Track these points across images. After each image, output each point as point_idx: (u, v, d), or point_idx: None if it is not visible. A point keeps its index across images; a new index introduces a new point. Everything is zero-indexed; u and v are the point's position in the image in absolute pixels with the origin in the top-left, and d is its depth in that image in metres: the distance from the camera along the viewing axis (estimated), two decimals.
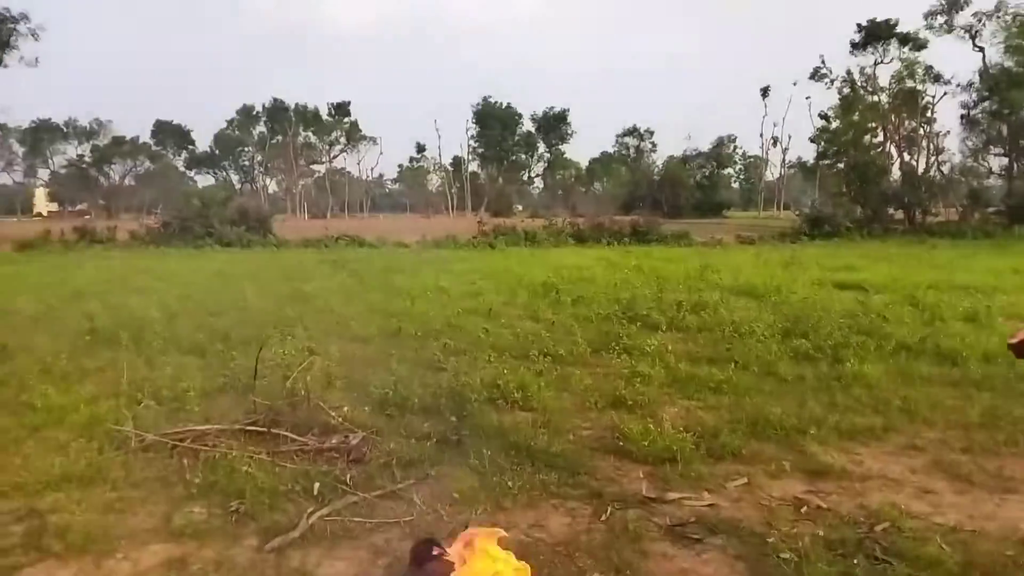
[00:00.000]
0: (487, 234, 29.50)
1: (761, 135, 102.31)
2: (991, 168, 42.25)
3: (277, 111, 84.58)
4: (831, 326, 8.20)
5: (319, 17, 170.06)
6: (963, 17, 38.47)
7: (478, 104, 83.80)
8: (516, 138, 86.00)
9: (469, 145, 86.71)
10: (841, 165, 40.98)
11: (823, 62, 42.62)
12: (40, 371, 6.53)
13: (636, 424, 4.89)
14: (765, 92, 76.64)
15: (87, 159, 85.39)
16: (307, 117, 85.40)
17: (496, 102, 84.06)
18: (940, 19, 38.71)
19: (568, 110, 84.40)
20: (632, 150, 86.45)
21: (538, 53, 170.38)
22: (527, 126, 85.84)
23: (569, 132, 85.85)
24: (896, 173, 39.85)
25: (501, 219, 41.08)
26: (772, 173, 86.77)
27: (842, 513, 3.72)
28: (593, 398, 5.74)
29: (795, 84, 65.04)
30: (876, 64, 40.58)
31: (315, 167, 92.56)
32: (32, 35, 36.32)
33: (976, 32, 38.22)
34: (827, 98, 56.39)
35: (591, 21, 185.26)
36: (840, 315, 9.10)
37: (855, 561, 3.16)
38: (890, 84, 40.39)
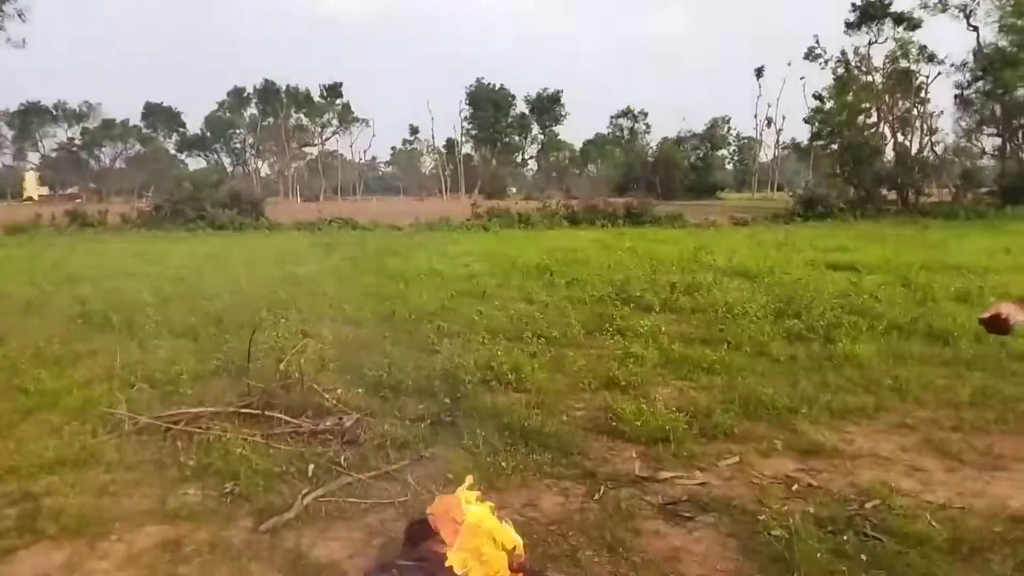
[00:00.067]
0: (481, 216, 29.39)
1: (755, 116, 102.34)
2: (984, 148, 42.31)
3: (268, 93, 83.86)
4: (823, 306, 8.22)
5: None
6: None
7: (471, 85, 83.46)
8: (510, 120, 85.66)
9: (463, 127, 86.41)
10: (835, 146, 40.82)
11: (817, 42, 42.40)
12: (32, 355, 6.52)
13: (629, 404, 4.92)
14: (759, 72, 76.53)
15: (77, 142, 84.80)
16: (299, 99, 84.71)
17: (490, 83, 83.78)
18: None
19: (562, 91, 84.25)
20: (626, 131, 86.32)
21: (532, 34, 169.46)
22: (521, 107, 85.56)
23: (563, 113, 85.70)
24: (890, 154, 39.77)
25: (495, 201, 40.89)
26: (766, 154, 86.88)
27: (833, 491, 3.75)
28: (586, 379, 5.76)
29: (789, 64, 65.07)
30: (870, 44, 40.34)
31: (307, 149, 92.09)
32: (19, 16, 35.78)
33: (970, 11, 38.00)
34: (821, 78, 56.39)
35: (585, 1, 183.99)
36: (832, 295, 9.14)
37: (845, 538, 3.20)
38: (884, 64, 40.24)
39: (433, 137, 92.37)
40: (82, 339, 7.29)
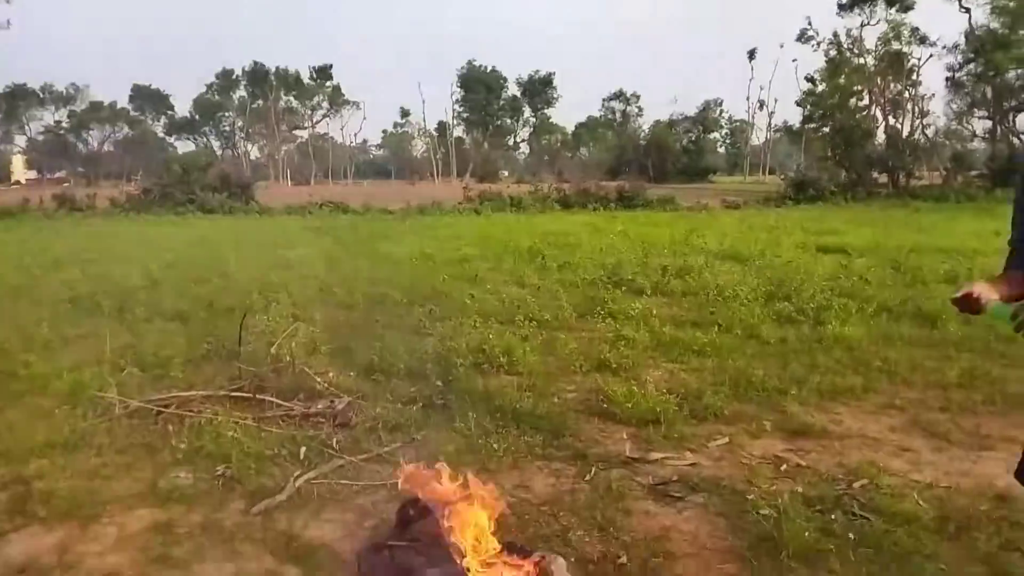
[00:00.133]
0: (473, 200, 29.31)
1: (747, 98, 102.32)
2: (975, 131, 42.40)
3: (257, 75, 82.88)
4: (814, 289, 8.26)
5: None
6: None
7: (463, 68, 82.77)
8: (501, 102, 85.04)
9: (454, 109, 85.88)
10: (826, 129, 40.86)
11: (810, 23, 42.30)
12: (22, 339, 6.48)
13: (620, 387, 4.94)
14: (752, 54, 76.25)
15: (65, 125, 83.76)
16: (288, 81, 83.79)
17: (481, 65, 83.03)
18: None
19: (554, 74, 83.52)
20: (618, 114, 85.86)
21: (523, 15, 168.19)
22: (512, 90, 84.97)
23: (555, 96, 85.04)
24: (881, 137, 39.83)
25: (487, 185, 40.78)
26: (758, 137, 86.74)
27: (821, 471, 3.79)
28: (578, 362, 5.78)
29: (782, 46, 64.66)
30: (863, 26, 40.22)
31: (297, 132, 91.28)
32: None
33: None
34: (814, 61, 56.16)
35: None
36: (823, 278, 9.18)
37: (833, 517, 3.23)
38: (876, 46, 40.19)
39: (424, 120, 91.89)
40: (72, 323, 7.26)
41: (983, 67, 37.46)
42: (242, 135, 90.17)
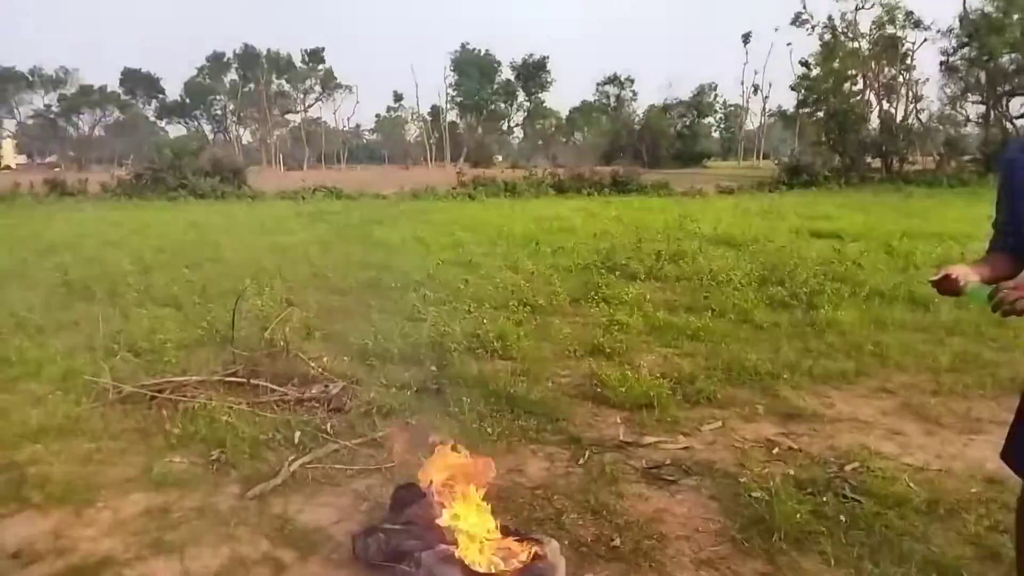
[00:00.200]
0: (466, 185, 29.19)
1: (742, 83, 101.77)
2: (968, 116, 42.38)
3: (248, 58, 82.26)
4: (807, 274, 8.28)
5: None
6: None
7: (456, 51, 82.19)
8: (495, 86, 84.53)
9: (447, 94, 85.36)
10: (820, 113, 40.82)
11: (804, 7, 42.14)
12: (14, 325, 6.46)
13: (614, 371, 4.96)
14: (747, 38, 75.94)
15: (55, 109, 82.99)
16: (280, 64, 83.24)
17: (475, 49, 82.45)
18: None
19: (548, 58, 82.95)
20: (613, 99, 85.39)
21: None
22: (506, 74, 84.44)
23: (549, 80, 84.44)
24: (875, 121, 39.81)
25: (481, 170, 40.61)
26: (752, 122, 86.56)
27: (813, 454, 3.82)
28: (572, 346, 5.80)
29: (776, 30, 64.45)
30: (857, 9, 40.06)
31: (289, 116, 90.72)
32: None
33: None
34: (808, 45, 56.00)
35: None
36: (816, 263, 9.19)
37: (824, 499, 3.26)
38: (871, 30, 40.08)
39: (418, 104, 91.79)
40: (64, 308, 7.23)
41: (977, 51, 37.38)
42: (234, 119, 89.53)
